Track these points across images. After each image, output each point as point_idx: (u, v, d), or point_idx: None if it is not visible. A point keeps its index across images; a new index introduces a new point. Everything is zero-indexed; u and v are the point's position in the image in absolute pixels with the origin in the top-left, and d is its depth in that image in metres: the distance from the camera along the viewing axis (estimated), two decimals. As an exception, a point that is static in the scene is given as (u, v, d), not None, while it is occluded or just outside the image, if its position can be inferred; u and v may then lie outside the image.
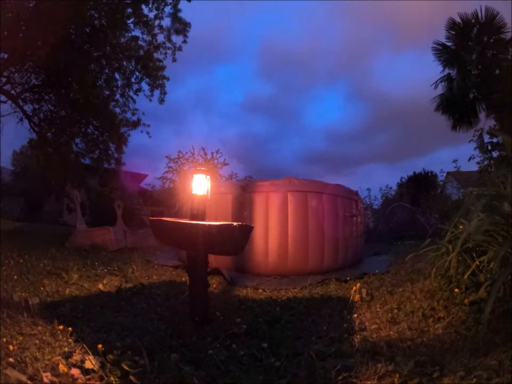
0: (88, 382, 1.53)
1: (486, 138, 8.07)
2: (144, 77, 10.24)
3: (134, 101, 10.68)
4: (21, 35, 7.93)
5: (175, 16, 9.62)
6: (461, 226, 2.51)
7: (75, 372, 1.58)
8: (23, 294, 2.91)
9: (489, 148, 7.89)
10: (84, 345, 1.80)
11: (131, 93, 10.55)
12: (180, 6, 9.60)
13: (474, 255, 2.33)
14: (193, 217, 2.60)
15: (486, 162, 7.69)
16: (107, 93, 10.40)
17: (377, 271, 4.34)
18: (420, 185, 15.42)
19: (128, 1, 9.12)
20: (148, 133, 10.89)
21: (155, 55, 10.10)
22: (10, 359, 1.59)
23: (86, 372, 1.59)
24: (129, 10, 9.22)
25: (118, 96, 10.55)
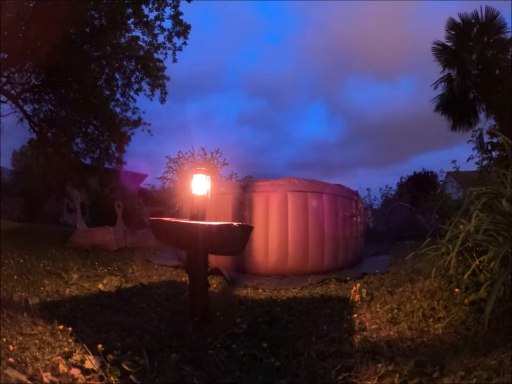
0: (88, 382, 1.53)
1: (486, 139, 8.09)
2: (144, 77, 10.25)
3: (135, 100, 10.70)
4: (21, 35, 7.93)
5: (176, 20, 9.61)
6: (461, 226, 2.51)
7: (75, 372, 1.58)
8: (23, 294, 2.91)
9: (489, 148, 7.89)
10: (84, 345, 1.80)
11: (131, 93, 10.57)
12: (180, 8, 9.60)
13: (474, 254, 2.32)
14: (193, 217, 2.60)
15: (485, 162, 7.69)
16: (107, 92, 10.41)
17: (377, 271, 4.34)
18: (420, 185, 15.42)
19: (128, 1, 9.11)
20: (149, 131, 10.89)
21: (155, 55, 10.11)
22: (10, 359, 1.59)
23: (86, 372, 1.59)
24: (129, 10, 9.21)
25: (118, 95, 10.58)
